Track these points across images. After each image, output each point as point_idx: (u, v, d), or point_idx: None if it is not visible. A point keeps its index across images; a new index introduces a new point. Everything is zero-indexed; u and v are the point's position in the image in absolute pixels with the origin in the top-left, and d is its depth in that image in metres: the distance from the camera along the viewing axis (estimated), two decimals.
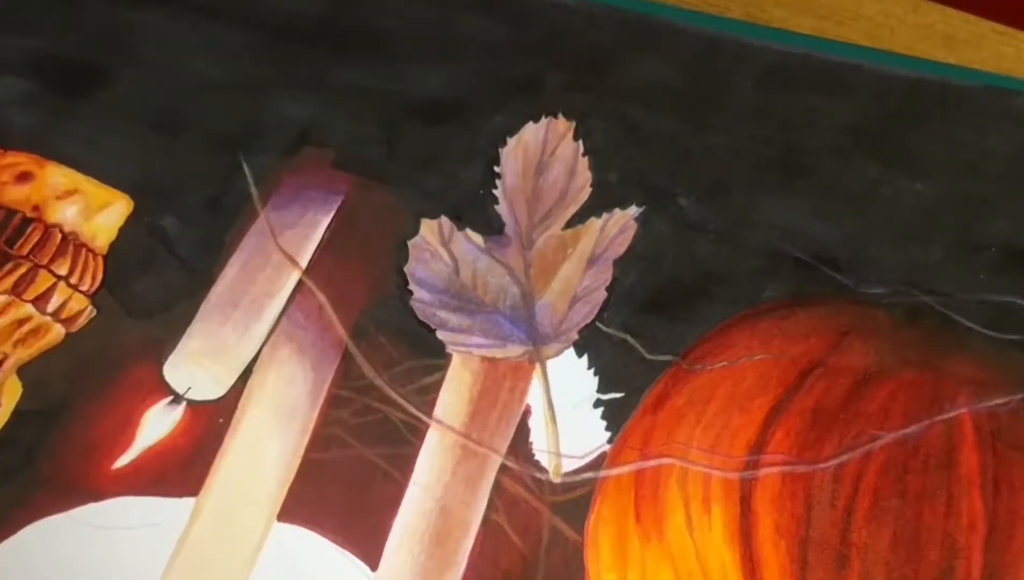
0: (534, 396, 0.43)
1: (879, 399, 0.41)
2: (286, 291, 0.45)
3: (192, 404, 0.43)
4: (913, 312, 0.43)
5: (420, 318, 0.44)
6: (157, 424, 0.43)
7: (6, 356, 0.44)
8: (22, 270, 0.45)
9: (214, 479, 0.41)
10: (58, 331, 0.45)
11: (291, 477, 0.41)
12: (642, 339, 0.43)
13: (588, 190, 0.46)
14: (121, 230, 0.47)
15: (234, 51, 0.50)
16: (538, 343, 0.43)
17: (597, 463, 0.41)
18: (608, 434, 0.42)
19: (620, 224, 0.45)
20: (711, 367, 0.42)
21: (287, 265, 0.45)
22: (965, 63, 0.47)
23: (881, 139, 0.46)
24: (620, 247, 0.45)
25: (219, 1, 0.51)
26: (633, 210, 0.45)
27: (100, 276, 0.46)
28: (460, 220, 0.46)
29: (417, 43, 0.49)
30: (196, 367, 0.43)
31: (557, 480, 0.41)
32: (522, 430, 0.42)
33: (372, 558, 0.40)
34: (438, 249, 0.45)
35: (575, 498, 0.41)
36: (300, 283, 0.45)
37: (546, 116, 0.47)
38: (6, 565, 0.40)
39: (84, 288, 0.45)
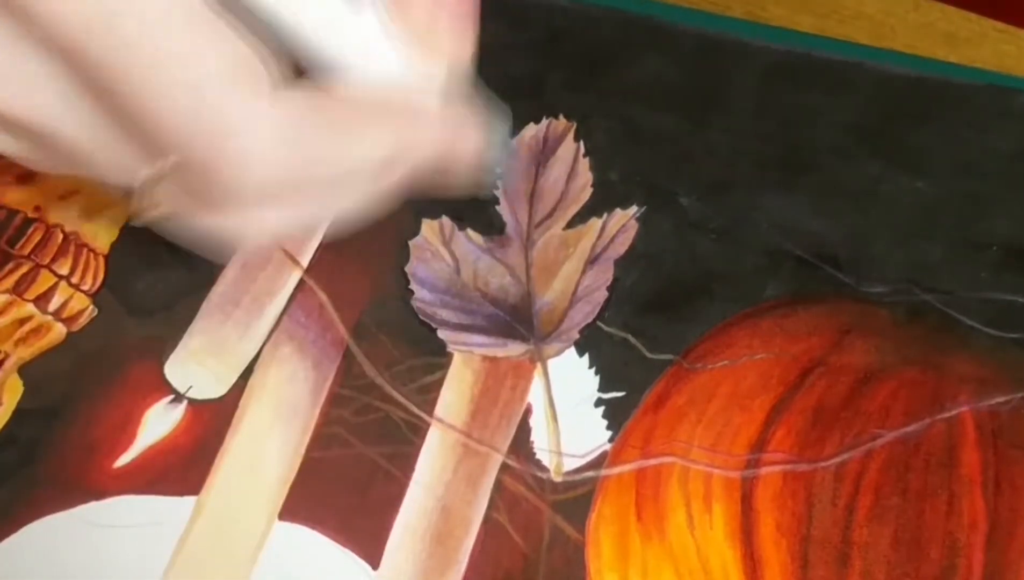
0: (535, 395, 0.43)
1: (880, 397, 0.41)
2: (287, 290, 0.45)
3: (193, 403, 0.43)
4: (914, 310, 0.43)
5: (421, 317, 0.44)
6: (158, 423, 0.43)
7: (7, 355, 0.44)
8: (24, 270, 0.46)
9: (215, 478, 0.41)
10: (59, 330, 0.45)
11: (292, 476, 0.41)
12: (643, 338, 0.43)
13: (589, 190, 0.46)
14: (122, 230, 0.47)
15: None
16: (539, 342, 0.43)
17: (598, 462, 0.41)
18: (609, 433, 0.42)
19: (621, 224, 0.45)
20: (712, 366, 0.42)
21: (288, 264, 0.45)
22: (966, 61, 0.47)
23: (882, 137, 0.46)
24: (621, 246, 0.45)
25: None
26: (634, 209, 0.45)
27: (101, 275, 0.46)
28: (461, 220, 0.46)
29: None
30: (197, 366, 0.43)
31: (558, 479, 0.41)
32: (523, 429, 0.42)
33: (373, 557, 0.40)
34: (439, 249, 0.45)
35: (576, 497, 0.41)
36: (301, 282, 0.45)
37: (547, 116, 0.48)
38: (7, 564, 0.40)
39: (85, 287, 0.45)
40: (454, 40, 0.32)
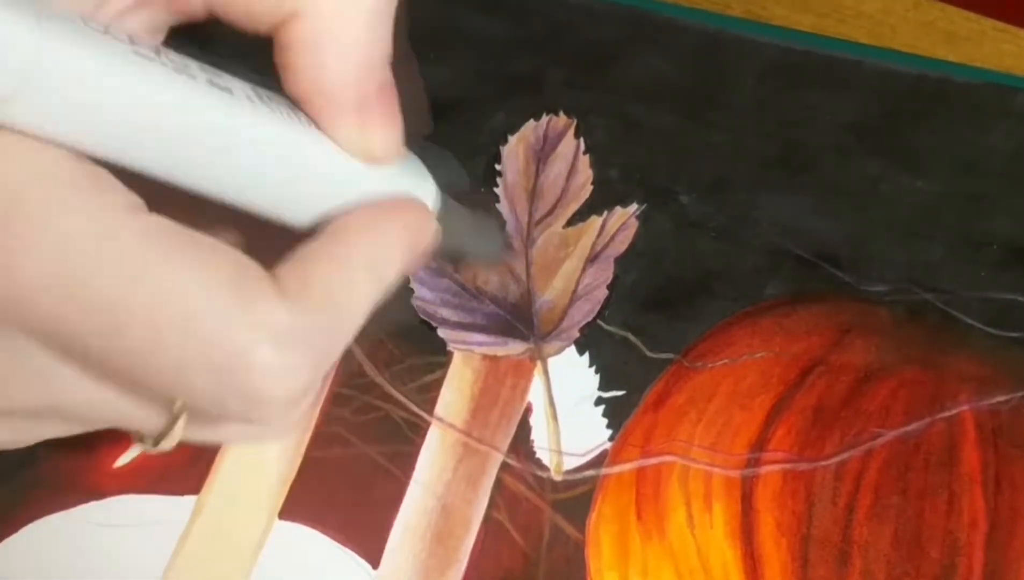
0: (535, 394, 0.43)
1: (880, 397, 0.41)
2: None
3: None
4: (914, 310, 0.43)
5: (421, 316, 0.44)
6: None
7: None
8: None
9: (215, 477, 0.41)
10: None
11: (292, 475, 0.41)
12: (643, 337, 0.43)
13: (589, 188, 0.46)
14: None
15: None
16: (539, 341, 0.43)
17: (598, 461, 0.41)
18: (609, 432, 0.42)
19: (621, 222, 0.45)
20: (712, 365, 0.42)
21: None
22: (966, 60, 0.47)
23: (882, 136, 0.46)
24: (621, 245, 0.45)
25: None
26: (634, 208, 0.45)
27: None
28: None
29: (417, 40, 0.49)
30: None
31: (558, 478, 0.41)
32: (523, 428, 0.42)
33: (373, 556, 0.40)
34: None
35: (576, 496, 0.41)
36: None
37: (547, 113, 0.47)
38: (7, 563, 0.40)
39: None
40: (387, 134, 0.29)
